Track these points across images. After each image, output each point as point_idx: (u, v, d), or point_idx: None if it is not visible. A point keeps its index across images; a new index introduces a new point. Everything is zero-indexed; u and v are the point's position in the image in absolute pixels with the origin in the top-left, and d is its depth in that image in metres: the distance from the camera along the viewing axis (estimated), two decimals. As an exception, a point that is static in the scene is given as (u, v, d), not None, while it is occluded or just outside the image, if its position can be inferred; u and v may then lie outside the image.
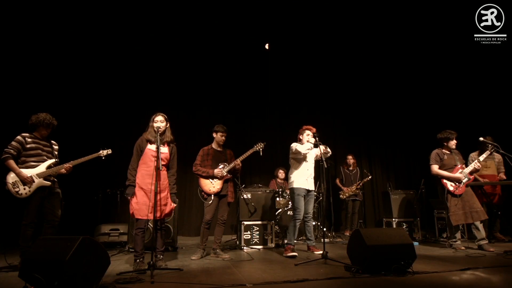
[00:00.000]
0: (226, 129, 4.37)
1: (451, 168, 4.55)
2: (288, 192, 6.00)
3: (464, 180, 4.44)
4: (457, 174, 4.48)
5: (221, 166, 4.22)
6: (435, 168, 4.58)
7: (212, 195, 4.15)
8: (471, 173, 4.54)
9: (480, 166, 4.59)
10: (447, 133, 4.68)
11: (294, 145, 4.32)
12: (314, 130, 4.33)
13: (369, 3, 6.60)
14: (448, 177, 4.49)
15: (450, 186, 4.46)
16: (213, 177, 4.16)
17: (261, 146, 4.40)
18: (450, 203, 4.40)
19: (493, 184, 5.13)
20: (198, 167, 4.23)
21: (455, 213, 4.34)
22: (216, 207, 4.19)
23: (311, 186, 4.35)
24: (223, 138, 4.34)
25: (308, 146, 4.18)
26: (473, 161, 5.01)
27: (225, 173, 4.18)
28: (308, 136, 4.33)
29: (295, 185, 4.27)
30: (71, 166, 3.69)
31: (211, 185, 4.16)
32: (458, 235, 4.54)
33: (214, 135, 4.36)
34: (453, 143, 4.67)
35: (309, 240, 4.42)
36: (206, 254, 4.20)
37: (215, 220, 4.23)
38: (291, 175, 4.37)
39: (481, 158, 4.62)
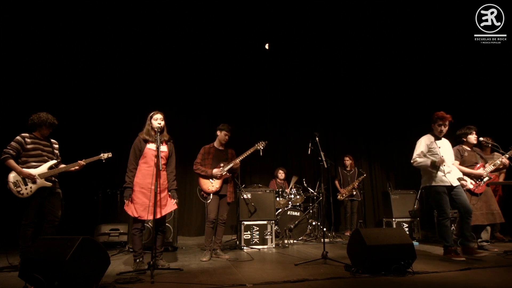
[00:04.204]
0: (231, 128, 4.30)
1: (471, 166, 4.35)
2: (288, 192, 6.01)
3: (485, 179, 4.30)
4: (480, 171, 4.31)
5: (222, 165, 4.20)
6: (455, 164, 4.32)
7: (211, 194, 4.13)
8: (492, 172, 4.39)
9: (507, 162, 4.42)
10: (465, 128, 4.47)
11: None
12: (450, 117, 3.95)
13: (370, 4, 6.59)
14: (469, 173, 4.29)
15: (470, 184, 4.28)
16: (212, 176, 4.14)
17: (263, 145, 4.36)
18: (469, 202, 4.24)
19: (495, 184, 5.10)
20: (198, 166, 4.21)
21: (473, 213, 4.11)
22: (217, 206, 4.17)
23: (453, 181, 3.89)
24: (227, 138, 4.29)
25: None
26: None
27: (225, 173, 4.16)
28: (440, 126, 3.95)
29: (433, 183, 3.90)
30: (84, 163, 3.74)
31: (210, 184, 4.14)
32: (484, 235, 4.40)
33: (218, 133, 4.31)
34: (473, 138, 4.44)
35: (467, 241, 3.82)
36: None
37: (216, 220, 4.22)
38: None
39: (502, 158, 4.45)
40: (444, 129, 3.93)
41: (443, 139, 4.05)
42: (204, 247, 4.19)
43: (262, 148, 4.38)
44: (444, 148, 4.00)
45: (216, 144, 4.34)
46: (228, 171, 4.19)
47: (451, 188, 3.84)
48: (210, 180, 4.15)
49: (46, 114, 3.67)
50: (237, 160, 4.22)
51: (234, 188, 4.32)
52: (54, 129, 3.76)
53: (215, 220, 4.14)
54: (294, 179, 6.27)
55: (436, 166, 3.84)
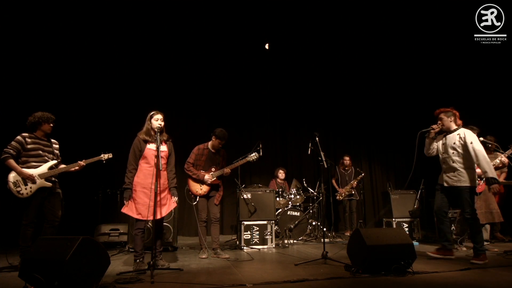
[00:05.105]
0: (227, 137, 4.27)
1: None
2: (288, 192, 6.02)
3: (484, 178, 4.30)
4: (478, 170, 4.19)
5: (213, 169, 4.25)
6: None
7: (198, 197, 4.20)
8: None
9: (507, 161, 4.40)
10: (469, 128, 4.40)
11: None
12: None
13: (370, 4, 6.59)
14: None
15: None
16: (202, 182, 4.19)
17: (255, 157, 4.41)
18: None
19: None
20: (191, 167, 4.24)
21: None
22: (206, 205, 4.25)
23: (447, 181, 3.75)
24: (220, 145, 4.32)
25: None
26: None
27: (214, 178, 4.21)
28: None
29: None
30: (84, 164, 3.74)
31: (199, 187, 4.20)
32: (483, 234, 4.29)
33: (213, 139, 4.28)
34: None
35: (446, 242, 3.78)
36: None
37: (209, 220, 4.26)
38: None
39: (501, 157, 4.42)
40: (441, 122, 3.85)
41: (456, 132, 3.78)
42: (201, 246, 4.24)
43: (253, 160, 4.43)
44: (448, 143, 3.80)
45: (210, 146, 4.35)
46: (218, 177, 4.25)
47: (445, 187, 3.77)
48: (199, 183, 4.21)
49: (41, 112, 3.68)
50: (228, 170, 4.27)
51: (222, 192, 4.37)
52: (54, 124, 3.74)
53: (207, 218, 4.23)
54: (294, 183, 6.26)
55: (429, 135, 3.91)
